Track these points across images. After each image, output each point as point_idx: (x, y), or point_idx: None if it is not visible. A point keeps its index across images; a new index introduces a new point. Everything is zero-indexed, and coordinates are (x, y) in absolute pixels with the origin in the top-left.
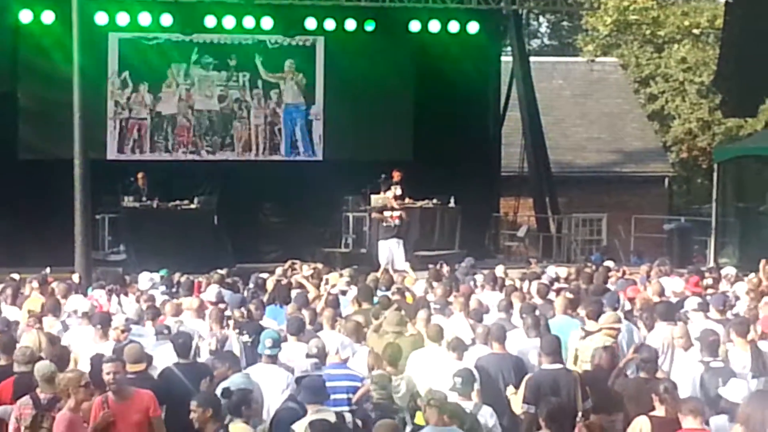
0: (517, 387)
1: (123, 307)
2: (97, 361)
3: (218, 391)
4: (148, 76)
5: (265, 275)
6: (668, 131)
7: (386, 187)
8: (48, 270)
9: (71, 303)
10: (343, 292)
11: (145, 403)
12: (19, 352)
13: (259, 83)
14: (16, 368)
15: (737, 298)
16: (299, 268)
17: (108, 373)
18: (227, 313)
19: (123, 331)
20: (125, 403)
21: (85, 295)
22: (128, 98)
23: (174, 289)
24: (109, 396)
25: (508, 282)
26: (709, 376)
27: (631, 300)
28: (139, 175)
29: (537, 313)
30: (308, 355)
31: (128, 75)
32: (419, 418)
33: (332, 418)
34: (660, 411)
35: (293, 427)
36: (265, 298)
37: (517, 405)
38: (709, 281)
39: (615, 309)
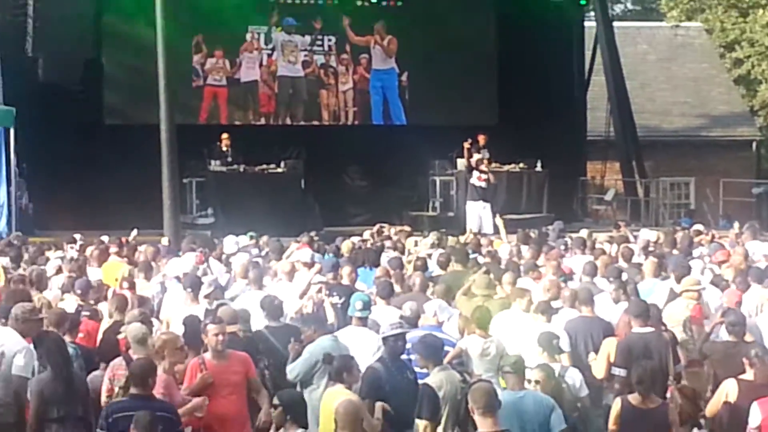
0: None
1: (212, 270)
2: (190, 322)
3: (315, 356)
4: (226, 40)
5: (355, 239)
6: (755, 96)
7: (474, 151)
8: (135, 232)
9: (168, 266)
10: (429, 255)
11: (242, 363)
12: (129, 316)
13: (347, 47)
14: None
15: None
16: (387, 231)
17: (216, 335)
18: (319, 275)
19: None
20: (223, 364)
21: (178, 257)
22: (202, 64)
23: (262, 253)
24: (206, 357)
25: (597, 246)
26: None
27: (721, 263)
28: (223, 137)
29: (624, 276)
30: (402, 317)
31: (202, 39)
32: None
33: (458, 377)
34: (749, 375)
35: (428, 382)
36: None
37: (599, 370)
38: None
39: (702, 272)
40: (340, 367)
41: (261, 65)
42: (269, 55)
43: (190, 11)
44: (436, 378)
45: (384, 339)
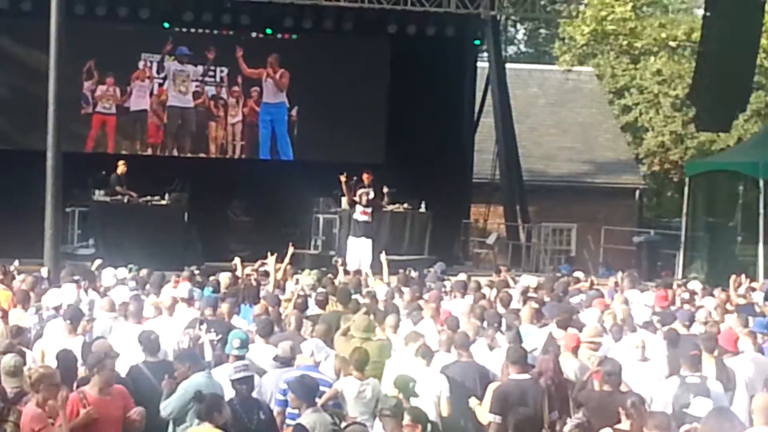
0: (481, 397)
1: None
2: (63, 357)
3: (188, 393)
4: (118, 66)
5: (228, 274)
6: (641, 143)
7: (357, 189)
8: (16, 263)
9: (47, 297)
10: (309, 295)
11: (123, 398)
12: None
13: (239, 79)
14: None
15: (705, 313)
16: (268, 268)
17: (106, 370)
18: (197, 311)
19: (88, 325)
20: (105, 399)
21: (58, 287)
22: (92, 90)
23: (142, 286)
24: (87, 391)
25: (480, 290)
26: (681, 392)
27: (603, 311)
28: (120, 163)
29: (502, 322)
30: (276, 357)
31: (94, 64)
32: None
33: (329, 420)
34: (625, 425)
35: (301, 422)
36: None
37: (482, 415)
38: (685, 296)
39: (599, 321)
40: (209, 406)
41: (152, 94)
42: (160, 84)
43: (83, 36)
44: (308, 419)
45: (231, 382)
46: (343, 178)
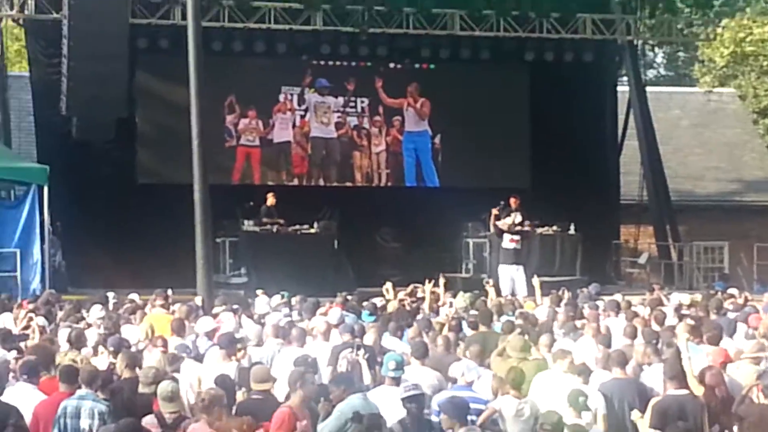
0: (641, 411)
1: (245, 329)
2: (221, 381)
3: (345, 415)
4: (258, 100)
5: (381, 300)
6: None
7: (505, 214)
8: (170, 291)
9: (200, 324)
10: (463, 318)
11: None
12: (142, 373)
13: (380, 109)
14: (141, 389)
15: None
16: (421, 292)
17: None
18: (345, 335)
19: (243, 351)
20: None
21: (213, 316)
22: (235, 124)
23: (295, 312)
24: (293, 407)
25: (630, 308)
26: None
27: (754, 328)
28: (269, 195)
29: (655, 340)
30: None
31: (234, 99)
32: None
33: None
34: None
35: None
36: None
37: (644, 428)
38: None
39: (731, 336)
40: (369, 426)
41: (294, 126)
42: (302, 116)
43: (223, 71)
44: None
45: (406, 399)
46: (495, 212)
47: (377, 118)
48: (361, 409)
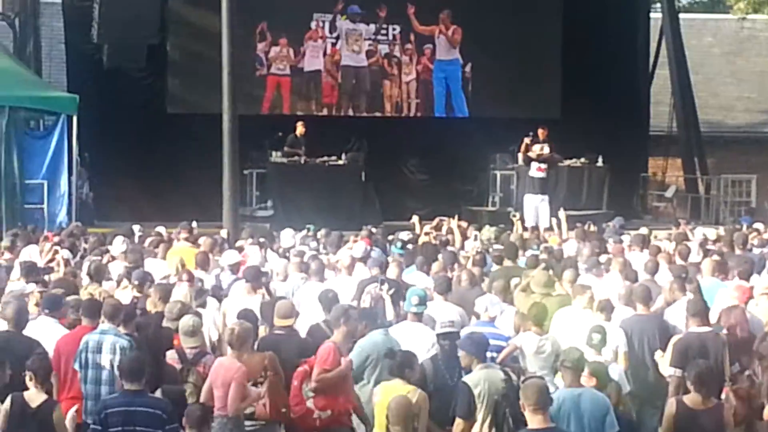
0: (663, 349)
1: (270, 263)
2: (244, 316)
3: (366, 351)
4: (290, 27)
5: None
6: None
7: (533, 144)
8: (195, 223)
9: (224, 257)
10: (488, 250)
11: None
12: (167, 308)
13: (411, 37)
14: (165, 323)
15: None
16: (447, 225)
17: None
18: (374, 270)
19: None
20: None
21: (238, 249)
22: (266, 52)
23: (321, 246)
24: (337, 343)
25: (655, 243)
26: None
27: None
28: (299, 125)
29: (684, 275)
30: (451, 321)
31: (266, 26)
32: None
33: (501, 375)
34: None
35: (465, 380)
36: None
37: (665, 367)
38: None
39: (760, 271)
40: (402, 362)
41: (325, 54)
42: (333, 44)
43: None
44: (475, 376)
45: (441, 336)
46: (527, 140)
47: (408, 46)
48: (383, 346)
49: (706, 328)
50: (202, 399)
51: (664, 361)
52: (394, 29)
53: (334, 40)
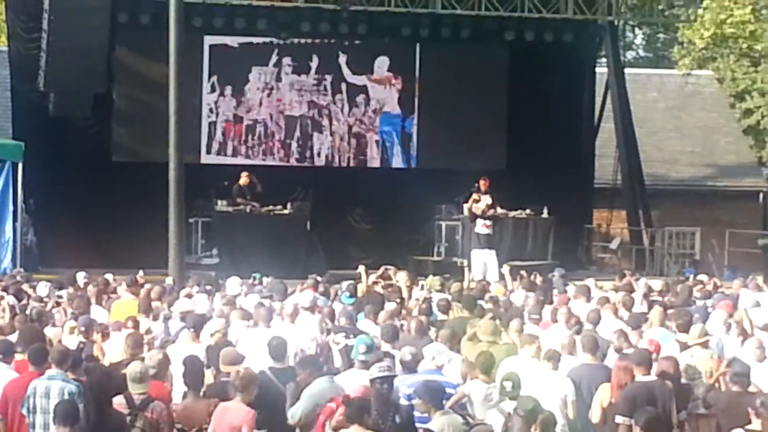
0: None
1: (216, 311)
2: (190, 362)
3: (314, 399)
4: (233, 79)
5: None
6: (764, 146)
7: (478, 197)
8: (141, 273)
9: (177, 305)
10: (430, 299)
11: None
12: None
13: (343, 87)
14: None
15: None
16: (393, 275)
17: None
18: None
19: (222, 335)
20: None
21: (189, 296)
22: (216, 102)
23: (267, 294)
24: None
25: (600, 294)
26: None
27: (729, 314)
28: (243, 175)
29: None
30: (402, 362)
31: (216, 79)
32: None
33: (461, 420)
34: (756, 425)
35: (430, 427)
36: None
37: (594, 414)
38: None
39: (704, 322)
40: (359, 408)
41: (269, 104)
42: (276, 95)
43: (200, 49)
44: (437, 423)
45: (371, 381)
46: (475, 196)
47: (339, 96)
48: (327, 393)
49: (652, 377)
50: None
51: (592, 409)
52: (325, 79)
53: (276, 91)
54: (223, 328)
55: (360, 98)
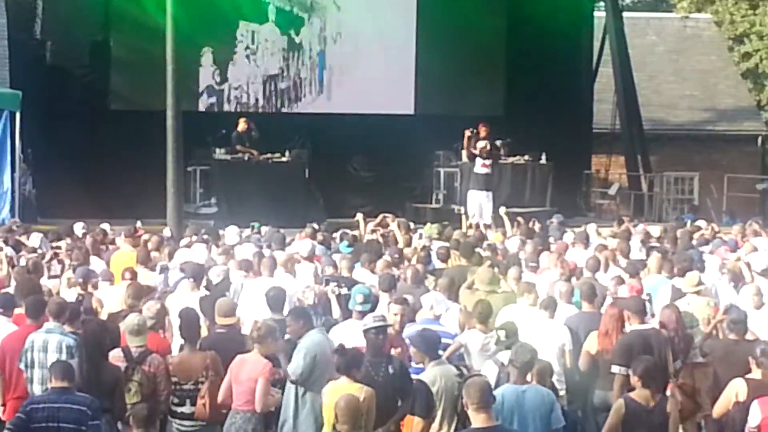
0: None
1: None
2: (186, 314)
3: (311, 351)
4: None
5: (355, 232)
6: (762, 90)
7: (475, 141)
8: (138, 223)
9: (177, 257)
10: (431, 248)
11: None
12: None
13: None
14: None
15: None
16: (391, 223)
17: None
18: (328, 268)
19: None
20: None
21: (186, 247)
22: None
23: (265, 243)
24: None
25: (599, 240)
26: None
27: (724, 260)
28: (240, 121)
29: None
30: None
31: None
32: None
33: (454, 371)
34: (756, 374)
35: (423, 378)
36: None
37: (582, 362)
38: None
39: (701, 269)
40: (349, 361)
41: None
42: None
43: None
44: (430, 373)
45: (365, 331)
46: (467, 133)
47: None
48: (320, 345)
49: (648, 326)
50: (220, 398)
51: (581, 356)
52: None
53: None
54: (225, 274)
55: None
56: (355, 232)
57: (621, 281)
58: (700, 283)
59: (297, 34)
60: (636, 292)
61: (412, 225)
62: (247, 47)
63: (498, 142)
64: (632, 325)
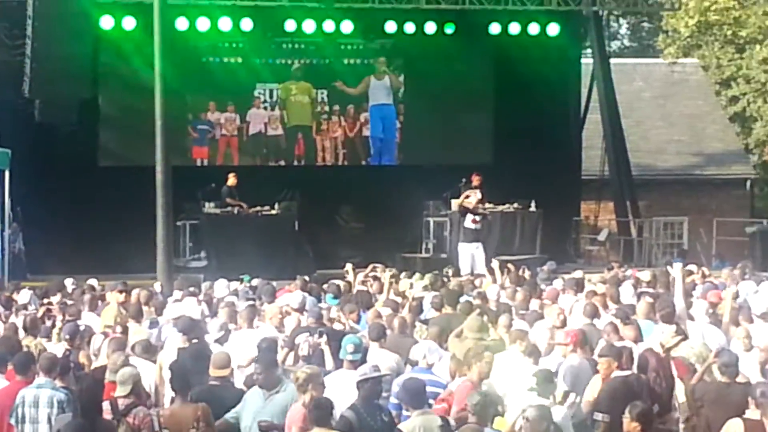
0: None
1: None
2: (177, 368)
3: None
4: (235, 97)
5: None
6: (750, 133)
7: (466, 191)
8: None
9: (168, 311)
10: (422, 297)
11: None
12: (111, 360)
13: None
14: (108, 376)
15: None
16: (381, 274)
17: None
18: (310, 319)
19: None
20: None
21: (178, 301)
22: (217, 118)
23: (256, 296)
24: None
25: (589, 287)
26: None
27: (714, 304)
28: (230, 176)
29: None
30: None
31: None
32: (498, 424)
33: (438, 422)
34: (755, 414)
35: (401, 427)
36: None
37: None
38: None
39: (706, 313)
40: (326, 412)
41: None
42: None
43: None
44: (412, 423)
45: (360, 383)
46: (467, 193)
47: (336, 107)
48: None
49: (628, 372)
50: None
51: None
52: (322, 93)
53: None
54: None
55: (348, 107)
56: (341, 283)
57: (615, 327)
58: (678, 334)
59: None
60: (572, 338)
61: (402, 275)
62: None
63: (478, 195)
64: (614, 372)
